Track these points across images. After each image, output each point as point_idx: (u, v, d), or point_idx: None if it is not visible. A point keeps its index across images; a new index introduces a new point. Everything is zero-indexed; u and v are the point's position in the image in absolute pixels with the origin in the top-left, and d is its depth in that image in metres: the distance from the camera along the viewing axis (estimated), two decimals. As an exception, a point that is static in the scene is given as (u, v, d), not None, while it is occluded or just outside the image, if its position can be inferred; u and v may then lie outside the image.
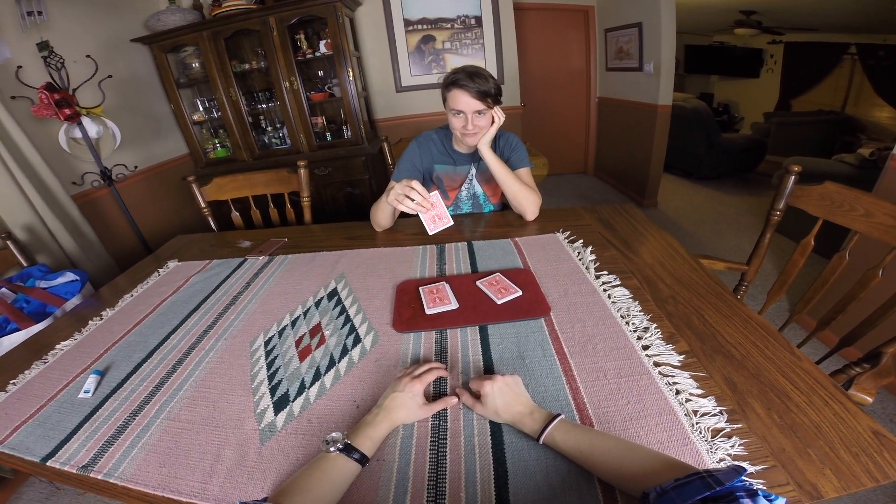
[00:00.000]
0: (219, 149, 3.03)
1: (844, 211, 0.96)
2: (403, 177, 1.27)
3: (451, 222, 1.19)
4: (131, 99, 2.62)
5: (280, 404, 0.72)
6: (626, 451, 0.52)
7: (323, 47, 2.70)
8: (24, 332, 1.26)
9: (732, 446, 0.54)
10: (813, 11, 4.14)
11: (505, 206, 1.50)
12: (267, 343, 0.88)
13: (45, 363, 0.94)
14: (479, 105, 1.19)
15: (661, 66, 3.07)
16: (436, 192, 1.18)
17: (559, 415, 0.57)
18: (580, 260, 1.05)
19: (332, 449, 0.56)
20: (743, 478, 0.41)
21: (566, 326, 0.81)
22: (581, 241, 1.14)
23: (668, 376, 0.66)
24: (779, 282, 1.10)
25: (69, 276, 1.53)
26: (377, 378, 0.74)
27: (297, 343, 0.87)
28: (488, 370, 0.72)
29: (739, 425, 0.57)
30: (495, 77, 1.21)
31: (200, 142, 2.96)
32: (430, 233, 1.21)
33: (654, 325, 0.78)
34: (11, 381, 0.89)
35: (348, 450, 0.56)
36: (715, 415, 0.59)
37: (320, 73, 2.94)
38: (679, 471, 0.45)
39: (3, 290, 1.38)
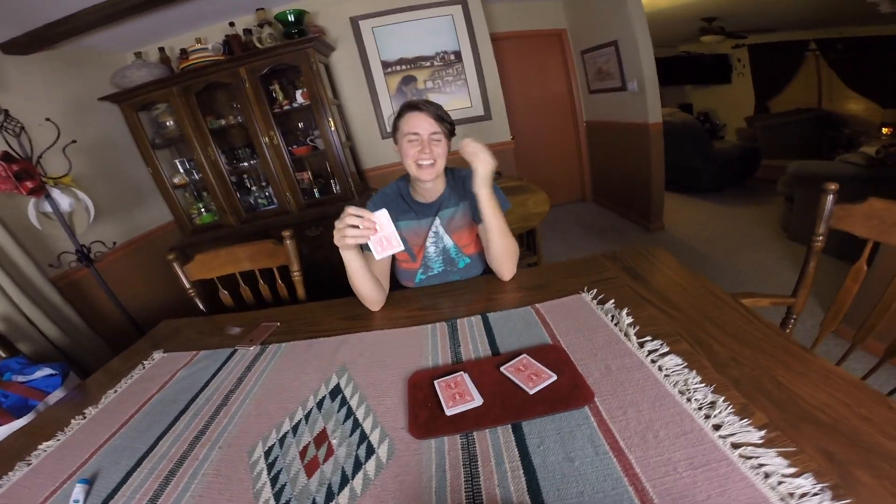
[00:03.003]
0: (204, 213, 2.90)
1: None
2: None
3: (402, 247, 1.02)
4: (106, 164, 2.49)
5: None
6: None
7: (300, 97, 2.62)
8: (6, 427, 1.18)
9: (845, 528, 0.45)
10: (767, 12, 4.15)
11: (482, 255, 1.30)
12: (268, 454, 0.75)
13: (30, 465, 0.86)
14: (435, 127, 1.13)
15: (645, 82, 3.05)
16: (383, 211, 1.00)
17: None
18: (616, 325, 0.91)
19: None
20: None
21: (617, 413, 0.68)
22: (612, 300, 0.99)
23: (751, 458, 0.55)
24: (832, 312, 0.99)
25: (46, 371, 1.42)
26: (400, 498, 0.61)
27: (302, 454, 0.73)
28: (531, 478, 0.60)
29: (848, 501, 0.48)
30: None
31: (184, 207, 2.82)
32: (378, 258, 1.03)
33: (721, 397, 0.65)
34: (-5, 486, 0.79)
35: None
36: (816, 493, 0.49)
37: (300, 124, 2.88)
38: None
39: (-24, 388, 1.27)
